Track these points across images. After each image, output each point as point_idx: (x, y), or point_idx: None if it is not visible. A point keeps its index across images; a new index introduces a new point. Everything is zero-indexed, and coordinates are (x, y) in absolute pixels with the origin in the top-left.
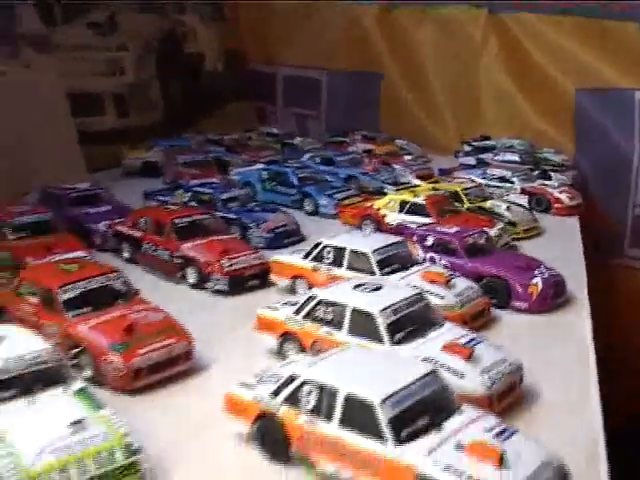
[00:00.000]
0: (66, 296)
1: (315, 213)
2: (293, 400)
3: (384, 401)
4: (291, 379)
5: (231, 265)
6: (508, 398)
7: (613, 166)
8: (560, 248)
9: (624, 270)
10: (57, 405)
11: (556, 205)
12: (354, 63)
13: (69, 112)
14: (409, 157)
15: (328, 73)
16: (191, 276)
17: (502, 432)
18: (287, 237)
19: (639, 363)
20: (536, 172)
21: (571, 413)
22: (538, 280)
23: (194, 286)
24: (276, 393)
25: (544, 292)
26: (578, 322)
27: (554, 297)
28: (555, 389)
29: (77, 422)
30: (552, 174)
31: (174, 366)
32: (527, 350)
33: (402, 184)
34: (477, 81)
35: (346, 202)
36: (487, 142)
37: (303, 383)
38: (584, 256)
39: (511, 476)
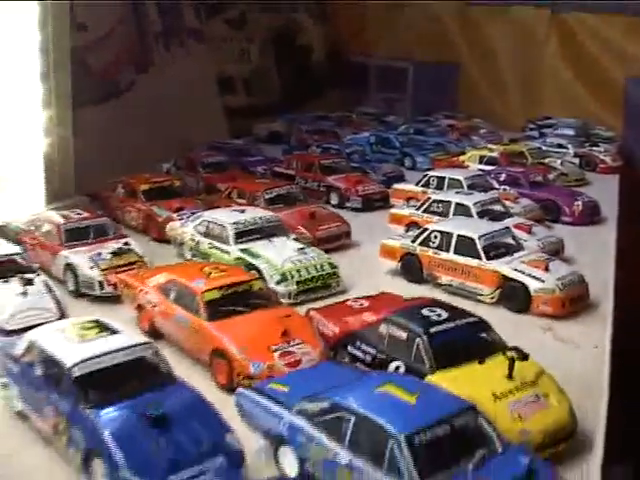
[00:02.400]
0: None
1: (413, 168)
2: (425, 241)
3: (481, 236)
4: (424, 230)
5: (363, 190)
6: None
7: None
8: (601, 190)
9: None
10: (287, 243)
11: (601, 165)
12: (435, 54)
13: (217, 91)
14: (483, 131)
15: (413, 63)
16: (334, 199)
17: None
18: (397, 180)
19: None
20: (587, 142)
21: None
22: (579, 203)
23: (336, 206)
24: (414, 240)
25: (584, 211)
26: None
27: (592, 215)
28: None
29: (301, 248)
30: (600, 144)
31: None
32: None
33: (478, 148)
34: (540, 69)
35: (438, 157)
36: (548, 121)
37: (432, 231)
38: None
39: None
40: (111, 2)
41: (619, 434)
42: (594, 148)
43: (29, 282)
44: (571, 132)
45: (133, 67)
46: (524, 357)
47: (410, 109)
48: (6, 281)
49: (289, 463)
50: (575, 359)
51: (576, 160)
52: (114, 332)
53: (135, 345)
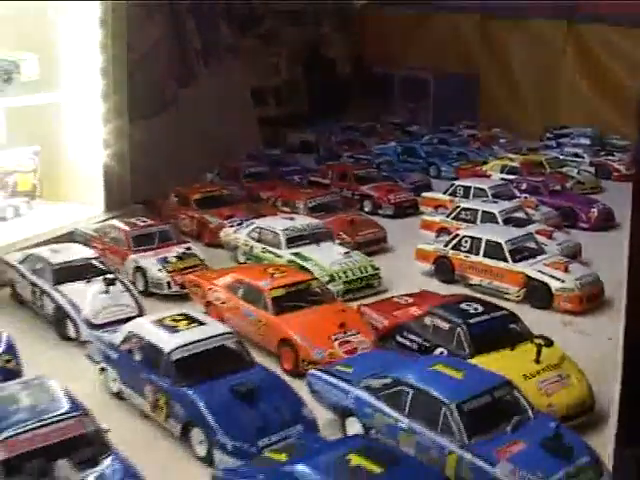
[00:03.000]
0: None
1: (438, 177)
2: (457, 246)
3: (508, 241)
4: (455, 235)
5: (395, 198)
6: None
7: None
8: (614, 198)
9: None
10: (333, 247)
11: (615, 173)
12: (456, 65)
13: (252, 103)
14: (503, 140)
15: (435, 74)
16: (367, 206)
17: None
18: (424, 188)
19: None
20: (602, 152)
21: None
22: (595, 210)
23: (369, 213)
24: (446, 244)
25: (599, 217)
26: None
27: (606, 221)
28: None
29: (346, 252)
30: (615, 153)
31: None
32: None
33: (499, 158)
34: (557, 80)
35: (462, 166)
36: (564, 130)
37: (463, 236)
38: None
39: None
40: (153, 21)
41: (632, 416)
42: (609, 157)
43: (112, 282)
44: (587, 141)
45: (175, 82)
46: (549, 343)
47: (432, 119)
48: (89, 281)
49: (355, 432)
50: (592, 349)
51: (592, 169)
52: (202, 323)
53: (221, 334)
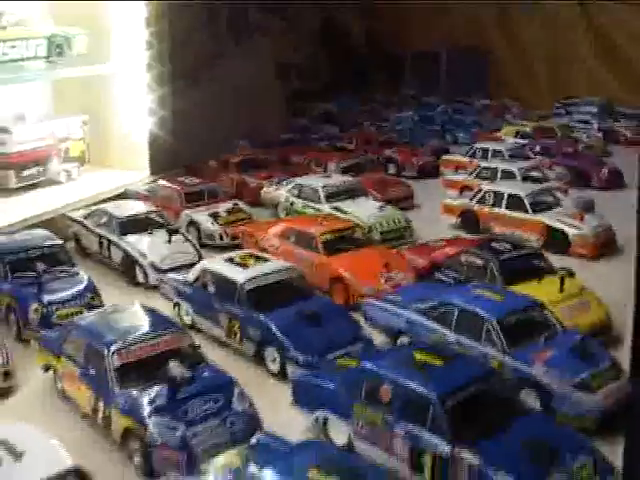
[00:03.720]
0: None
1: (455, 143)
2: (481, 200)
3: (528, 194)
4: (480, 190)
5: (418, 161)
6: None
7: None
8: (623, 161)
9: None
10: (368, 202)
11: (622, 138)
12: (467, 41)
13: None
14: (515, 110)
15: (446, 49)
16: (391, 169)
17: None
18: (442, 152)
19: None
20: (610, 119)
21: None
22: (605, 170)
23: (393, 175)
24: (471, 199)
25: (609, 177)
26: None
27: (616, 181)
28: None
29: (381, 206)
30: (622, 120)
31: None
32: None
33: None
34: (566, 55)
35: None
36: (573, 100)
37: (486, 191)
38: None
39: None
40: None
41: None
42: (616, 123)
43: (175, 232)
44: (595, 110)
45: (212, 58)
46: (571, 275)
47: (444, 92)
48: (151, 232)
49: None
50: (608, 288)
51: (600, 134)
52: (266, 260)
53: (285, 268)
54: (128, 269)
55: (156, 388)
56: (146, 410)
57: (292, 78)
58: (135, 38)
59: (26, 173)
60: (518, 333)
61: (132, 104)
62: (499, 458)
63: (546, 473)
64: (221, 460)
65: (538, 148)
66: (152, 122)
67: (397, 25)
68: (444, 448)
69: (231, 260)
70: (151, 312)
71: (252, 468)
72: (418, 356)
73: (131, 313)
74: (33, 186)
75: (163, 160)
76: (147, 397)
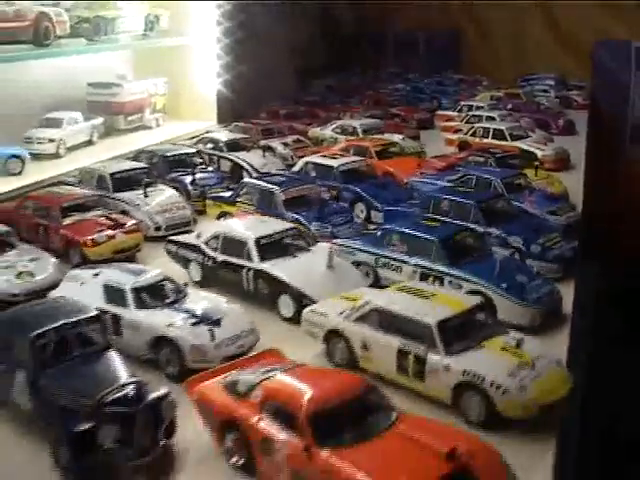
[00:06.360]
0: None
1: (439, 108)
2: (473, 134)
3: (507, 128)
4: (472, 127)
5: (417, 116)
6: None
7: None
8: (575, 119)
9: None
10: (393, 136)
11: (574, 103)
12: (440, 23)
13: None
14: (485, 83)
15: (423, 32)
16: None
17: None
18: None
19: None
20: (564, 89)
21: None
22: (562, 121)
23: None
24: (466, 133)
25: (565, 126)
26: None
27: (570, 130)
28: None
29: (402, 138)
30: (574, 89)
31: None
32: None
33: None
34: (526, 35)
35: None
36: (533, 76)
37: (477, 128)
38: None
39: None
40: None
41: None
42: (570, 92)
43: (268, 148)
44: (552, 82)
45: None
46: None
47: (423, 70)
48: (248, 151)
49: None
50: (567, 184)
51: (556, 100)
52: None
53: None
54: (233, 173)
55: None
56: None
57: (296, 58)
58: (207, 17)
59: (130, 119)
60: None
61: (204, 68)
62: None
63: None
64: None
65: (510, 106)
66: (219, 83)
67: (380, 12)
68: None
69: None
70: None
71: None
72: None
73: None
74: (134, 129)
75: (226, 112)
76: None
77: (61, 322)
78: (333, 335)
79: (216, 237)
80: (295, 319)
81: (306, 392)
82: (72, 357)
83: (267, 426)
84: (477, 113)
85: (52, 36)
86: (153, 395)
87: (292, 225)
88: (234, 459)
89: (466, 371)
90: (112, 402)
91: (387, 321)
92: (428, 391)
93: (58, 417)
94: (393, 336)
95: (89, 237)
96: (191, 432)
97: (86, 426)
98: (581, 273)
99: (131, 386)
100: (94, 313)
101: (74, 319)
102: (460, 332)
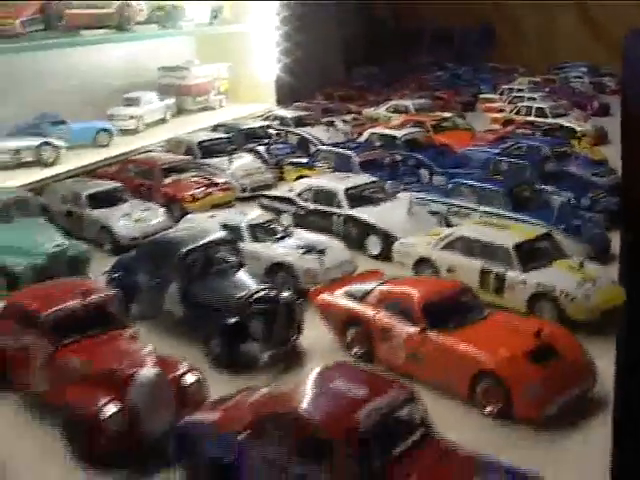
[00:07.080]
0: None
1: (479, 93)
2: (517, 112)
3: (550, 107)
4: (516, 105)
5: (461, 98)
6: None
7: None
8: (609, 102)
9: None
10: (443, 115)
11: (607, 89)
12: (475, 19)
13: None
14: (522, 70)
15: (458, 27)
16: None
17: None
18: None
19: None
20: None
21: None
22: (596, 102)
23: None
24: (510, 112)
25: (600, 108)
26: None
27: (604, 111)
28: None
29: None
30: (607, 76)
31: None
32: None
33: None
34: (558, 28)
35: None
36: (565, 64)
37: (522, 106)
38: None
39: None
40: None
41: None
42: (602, 78)
43: (331, 123)
44: (585, 69)
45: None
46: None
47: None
48: (313, 126)
49: None
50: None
51: (590, 86)
52: None
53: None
54: (300, 145)
55: None
56: None
57: (344, 48)
58: (267, 8)
59: (198, 100)
60: None
61: (264, 54)
62: None
63: None
64: None
65: (548, 89)
66: (278, 68)
67: (417, 9)
68: None
69: None
70: None
71: None
72: None
73: None
74: (201, 110)
75: (284, 95)
76: None
77: (205, 240)
78: (421, 263)
79: (308, 189)
80: (381, 256)
81: (417, 289)
82: (215, 271)
83: (385, 317)
84: (519, 95)
85: (132, 22)
86: (288, 295)
87: (374, 178)
88: (355, 349)
89: (540, 284)
90: (257, 300)
91: (470, 247)
92: (507, 303)
93: (211, 316)
94: (476, 259)
95: (189, 193)
96: (314, 334)
97: (237, 319)
98: (625, 223)
99: (269, 289)
100: (228, 236)
101: (214, 238)
102: (532, 254)
